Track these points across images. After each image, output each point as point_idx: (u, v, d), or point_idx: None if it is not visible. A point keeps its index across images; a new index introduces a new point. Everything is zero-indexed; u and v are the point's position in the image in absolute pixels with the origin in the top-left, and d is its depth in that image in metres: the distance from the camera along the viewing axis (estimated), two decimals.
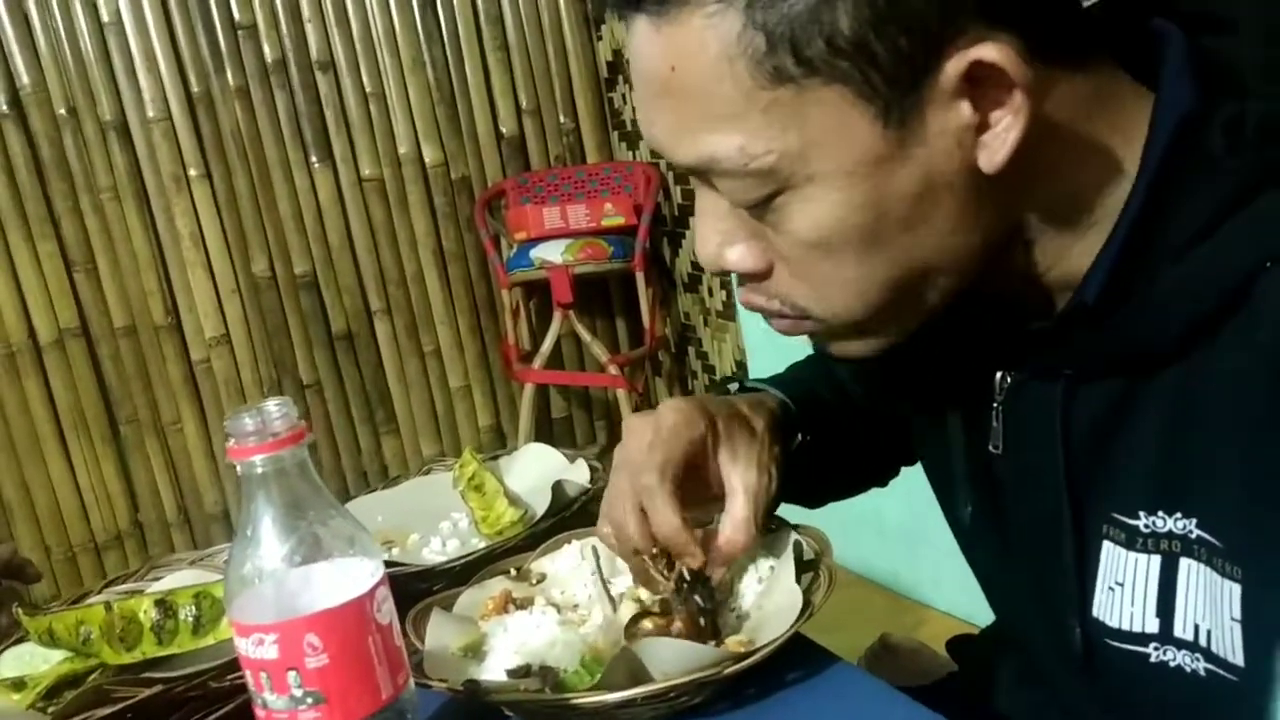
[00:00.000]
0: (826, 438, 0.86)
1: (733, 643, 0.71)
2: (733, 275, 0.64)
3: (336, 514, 0.55)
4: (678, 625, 0.73)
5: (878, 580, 2.32)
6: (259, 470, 0.53)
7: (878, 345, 0.65)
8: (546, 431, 3.22)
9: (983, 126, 0.55)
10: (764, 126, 0.55)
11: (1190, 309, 0.55)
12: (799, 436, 0.83)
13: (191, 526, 2.93)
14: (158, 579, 0.98)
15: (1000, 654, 0.88)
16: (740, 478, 0.75)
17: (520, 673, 0.72)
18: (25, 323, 2.68)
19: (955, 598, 2.07)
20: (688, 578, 0.76)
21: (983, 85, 0.54)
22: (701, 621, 0.73)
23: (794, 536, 0.81)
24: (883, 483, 1.01)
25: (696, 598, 0.74)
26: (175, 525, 2.91)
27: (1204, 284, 0.54)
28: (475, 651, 0.77)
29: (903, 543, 2.20)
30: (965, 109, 0.54)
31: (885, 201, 0.56)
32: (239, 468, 0.53)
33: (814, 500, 0.92)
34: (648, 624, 0.73)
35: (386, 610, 0.55)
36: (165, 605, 0.82)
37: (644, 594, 0.78)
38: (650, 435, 0.74)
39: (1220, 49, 0.57)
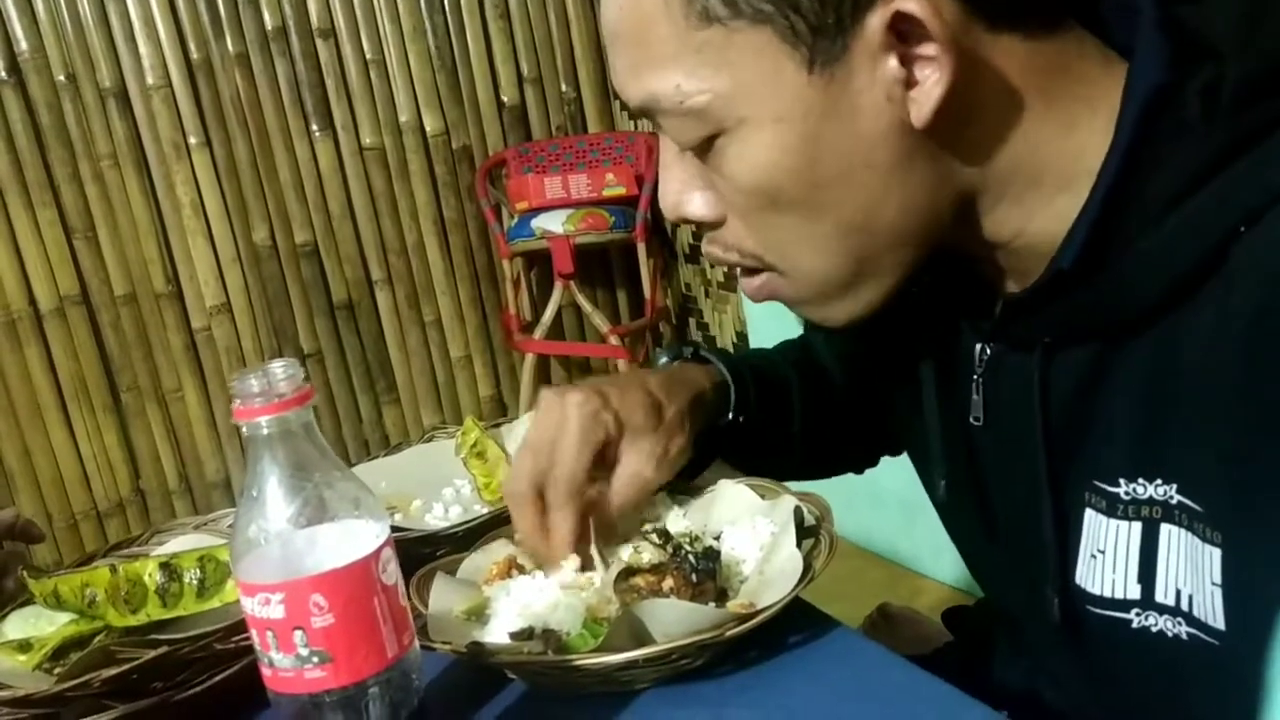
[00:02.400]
0: (774, 418, 0.88)
1: (734, 605, 0.72)
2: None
3: (342, 475, 0.56)
4: (669, 582, 0.73)
5: (876, 551, 2.33)
6: (264, 431, 0.53)
7: (848, 312, 0.65)
8: None
9: (911, 82, 0.55)
10: (698, 66, 0.57)
11: (1167, 274, 0.55)
12: (729, 415, 0.86)
13: (193, 494, 2.94)
14: (161, 543, 0.99)
15: (993, 624, 0.89)
16: (628, 467, 0.79)
17: (523, 635, 0.73)
18: (25, 290, 2.67)
19: (953, 568, 2.08)
20: (687, 543, 0.77)
21: (910, 40, 0.55)
22: (694, 578, 0.73)
23: (794, 503, 0.81)
24: (859, 470, 1.01)
25: (691, 558, 0.75)
26: (177, 493, 2.92)
27: (1180, 248, 0.54)
28: (478, 615, 0.78)
29: (901, 513, 2.21)
30: (892, 62, 0.55)
31: (817, 151, 0.57)
32: (244, 429, 0.53)
33: (776, 475, 0.93)
34: (639, 581, 0.74)
35: (392, 571, 0.55)
36: (170, 568, 0.82)
37: (646, 557, 0.79)
38: (558, 434, 0.77)
39: (1194, 15, 0.57)
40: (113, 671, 0.73)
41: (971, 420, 0.70)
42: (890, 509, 2.23)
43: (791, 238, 0.62)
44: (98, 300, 2.75)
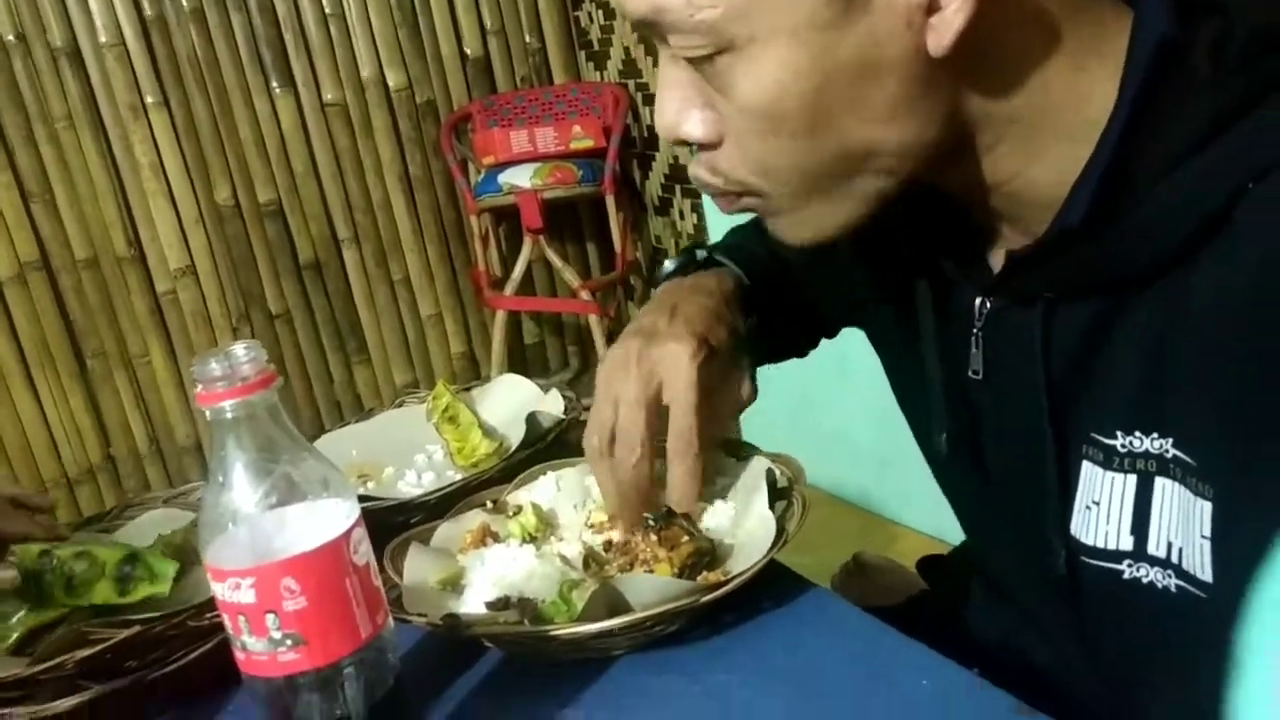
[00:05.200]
0: (768, 312, 0.88)
1: (709, 572, 0.72)
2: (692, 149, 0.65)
3: (309, 456, 0.55)
4: (641, 546, 0.73)
5: (849, 500, 2.35)
6: (228, 415, 0.52)
7: (815, 234, 0.65)
8: (519, 358, 3.21)
9: (933, 7, 0.54)
10: None
11: (1174, 229, 0.55)
12: (749, 320, 0.85)
13: (164, 459, 2.92)
14: (132, 518, 0.98)
15: (970, 573, 0.89)
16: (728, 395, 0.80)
17: (499, 605, 0.73)
18: None
19: (926, 516, 2.11)
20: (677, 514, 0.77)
21: None
22: (685, 540, 0.73)
23: (766, 465, 0.81)
24: (803, 354, 1.01)
25: (682, 520, 0.75)
26: (148, 458, 2.90)
27: (1187, 204, 0.54)
28: (454, 585, 0.78)
29: (873, 462, 2.22)
30: None
31: (828, 72, 0.56)
32: (208, 413, 0.52)
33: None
34: (611, 569, 0.74)
35: (364, 551, 0.55)
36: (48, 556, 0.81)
37: (616, 535, 0.79)
38: (674, 388, 0.77)
39: None
40: (87, 652, 0.72)
41: (970, 374, 0.70)
42: (863, 458, 2.25)
43: (786, 163, 0.60)
44: (58, 265, 2.70)
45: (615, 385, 0.80)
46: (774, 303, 0.89)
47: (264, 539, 0.53)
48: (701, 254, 0.90)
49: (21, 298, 2.67)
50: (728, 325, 0.82)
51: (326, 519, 0.54)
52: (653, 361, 0.79)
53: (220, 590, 0.53)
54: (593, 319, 2.93)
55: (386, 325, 3.11)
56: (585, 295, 2.91)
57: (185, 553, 0.84)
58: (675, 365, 0.78)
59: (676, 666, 0.69)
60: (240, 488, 0.53)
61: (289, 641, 0.52)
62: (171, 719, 0.75)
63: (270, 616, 0.52)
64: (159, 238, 2.79)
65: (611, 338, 2.87)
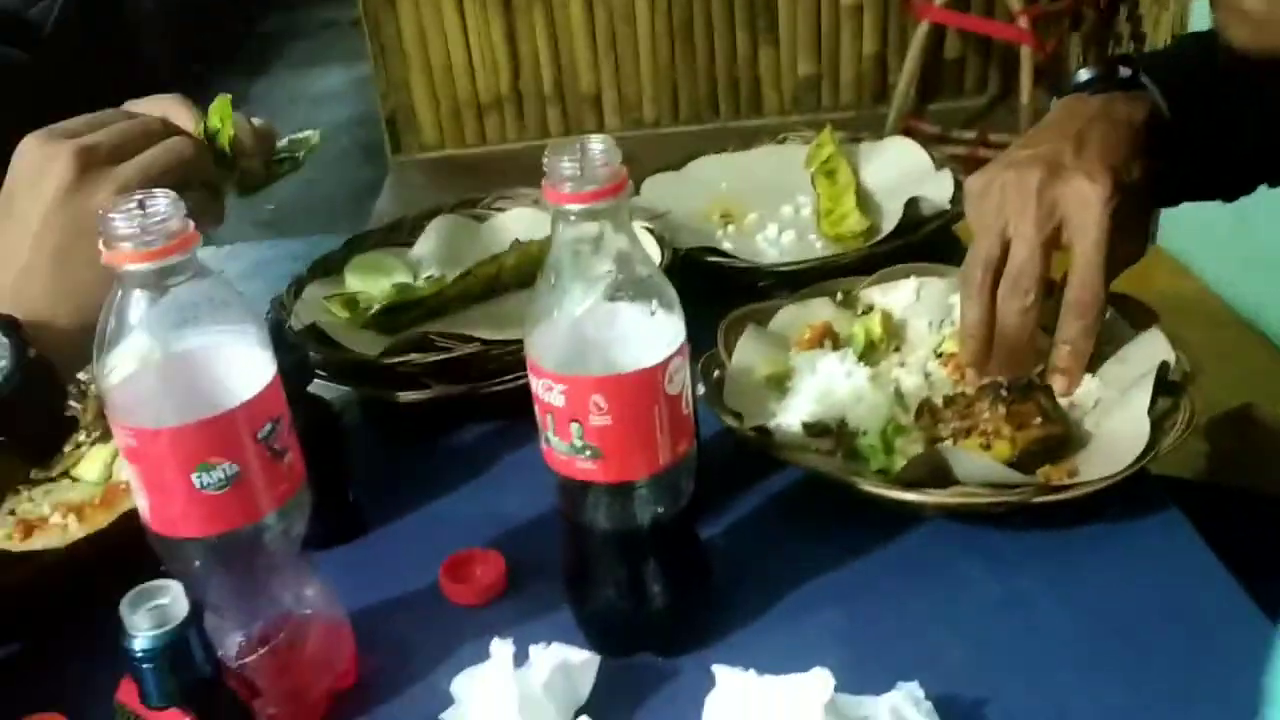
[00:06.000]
0: (1184, 150, 0.75)
1: (1051, 471, 0.64)
2: None
3: (647, 273, 0.51)
4: (986, 414, 0.66)
5: (1266, 329, 2.05)
6: (573, 217, 0.49)
7: None
8: (934, 73, 2.98)
9: None
10: None
11: None
12: (1158, 162, 0.72)
13: (565, 103, 3.02)
14: (501, 210, 1.00)
15: None
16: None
17: (816, 430, 0.69)
18: None
19: None
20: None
21: None
22: (1037, 422, 0.65)
23: (1165, 349, 0.70)
24: (1229, 198, 0.84)
25: (1041, 396, 0.66)
26: (550, 100, 3.01)
27: None
28: (778, 385, 0.75)
29: None
30: None
31: None
32: (553, 210, 0.49)
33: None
34: (949, 413, 0.67)
35: (679, 380, 0.52)
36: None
37: (968, 383, 0.71)
38: (1083, 227, 0.67)
39: None
40: (428, 359, 0.77)
41: None
42: None
43: None
44: None
45: (1010, 217, 0.70)
46: (1198, 138, 0.75)
47: (583, 350, 0.51)
48: (1126, 72, 0.76)
49: None
50: (1142, 165, 0.70)
51: (648, 342, 0.51)
52: (1056, 197, 0.68)
53: (535, 384, 0.52)
54: (1024, 50, 2.63)
55: (802, 8, 2.95)
56: (1024, 23, 2.59)
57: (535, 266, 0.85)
58: (1085, 206, 0.67)
59: (984, 549, 0.63)
60: (571, 293, 0.50)
61: (588, 452, 0.51)
62: (494, 429, 0.80)
63: (575, 425, 0.51)
64: None
65: (1041, 75, 2.58)
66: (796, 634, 0.59)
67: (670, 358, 0.51)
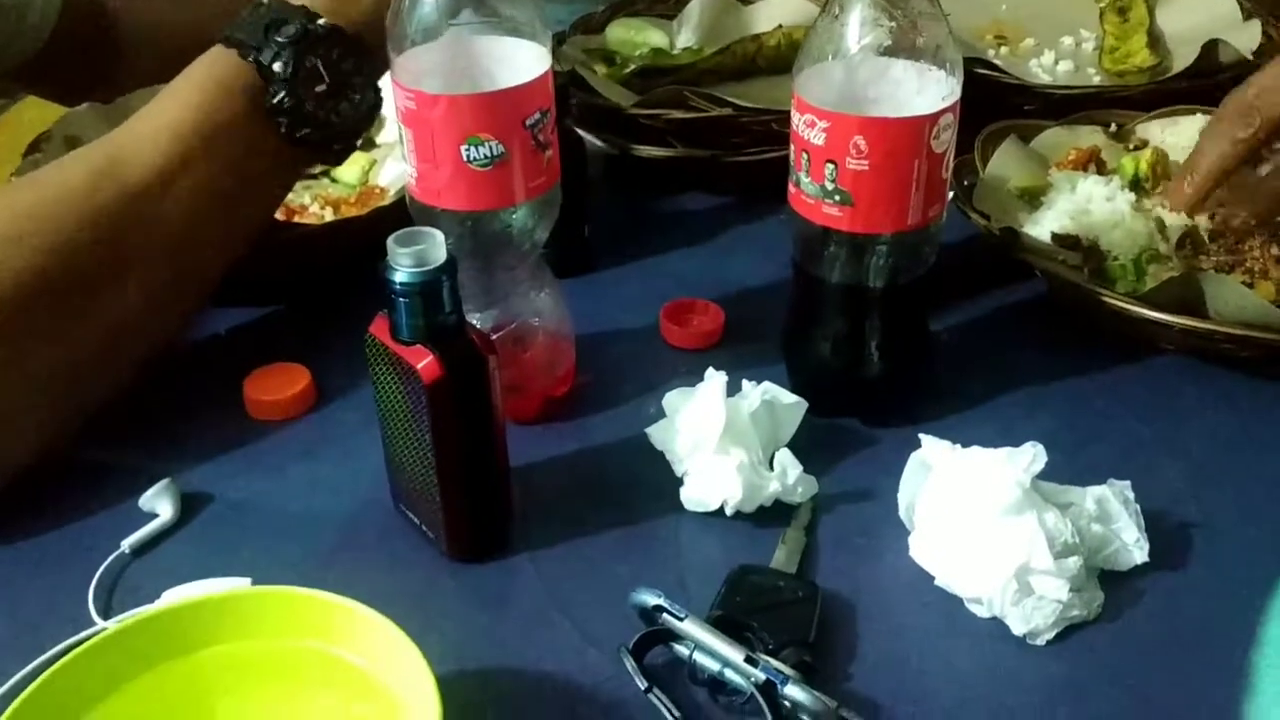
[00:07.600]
0: None
1: None
2: None
3: (933, 16, 0.49)
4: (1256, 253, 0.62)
5: None
6: None
7: None
8: None
9: None
10: None
11: None
12: None
13: None
14: None
15: None
16: None
17: (1067, 242, 0.66)
18: None
19: None
20: None
21: None
22: None
23: None
24: None
25: None
26: None
27: None
28: (1032, 199, 0.72)
29: None
30: None
31: None
32: None
33: None
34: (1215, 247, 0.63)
35: (945, 139, 0.50)
36: None
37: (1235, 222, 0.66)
38: None
39: None
40: (678, 116, 0.77)
41: None
42: None
43: None
44: None
45: None
46: None
47: (853, 88, 0.50)
48: None
49: None
50: None
51: (922, 91, 0.49)
52: None
53: (796, 121, 0.51)
54: None
55: None
56: None
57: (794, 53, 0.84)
58: None
59: (1219, 391, 0.60)
60: (852, 25, 0.49)
61: (837, 197, 0.51)
62: (729, 200, 0.80)
63: (830, 166, 0.50)
64: None
65: None
66: (1008, 434, 0.58)
67: (942, 112, 0.49)
